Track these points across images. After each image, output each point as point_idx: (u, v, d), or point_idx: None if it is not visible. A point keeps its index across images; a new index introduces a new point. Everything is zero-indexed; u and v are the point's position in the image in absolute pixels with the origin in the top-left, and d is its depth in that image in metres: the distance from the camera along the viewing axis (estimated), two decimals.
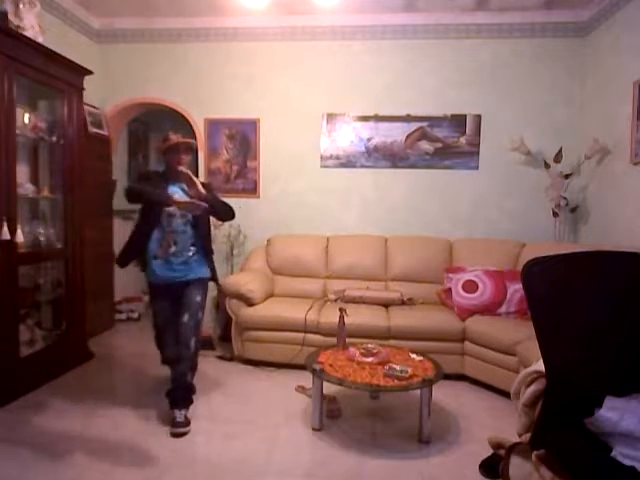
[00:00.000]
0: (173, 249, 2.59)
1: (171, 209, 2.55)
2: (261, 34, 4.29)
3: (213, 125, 4.42)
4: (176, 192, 2.58)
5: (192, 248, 2.65)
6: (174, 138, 2.61)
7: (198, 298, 2.63)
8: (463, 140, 4.19)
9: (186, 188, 2.57)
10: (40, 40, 3.06)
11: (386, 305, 3.67)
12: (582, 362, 1.44)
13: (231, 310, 3.60)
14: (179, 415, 2.52)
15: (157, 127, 5.73)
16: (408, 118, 4.22)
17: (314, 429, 2.54)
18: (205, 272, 2.72)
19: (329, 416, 2.68)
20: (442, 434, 2.54)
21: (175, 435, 2.45)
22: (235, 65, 4.36)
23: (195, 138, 4.44)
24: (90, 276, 3.61)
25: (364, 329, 3.29)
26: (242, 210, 4.34)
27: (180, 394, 2.59)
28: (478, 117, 4.16)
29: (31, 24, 3.03)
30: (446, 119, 4.19)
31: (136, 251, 2.68)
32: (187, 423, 2.51)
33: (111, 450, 2.31)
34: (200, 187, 2.50)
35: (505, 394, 2.86)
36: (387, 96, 4.24)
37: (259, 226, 4.37)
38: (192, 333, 2.58)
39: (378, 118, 4.26)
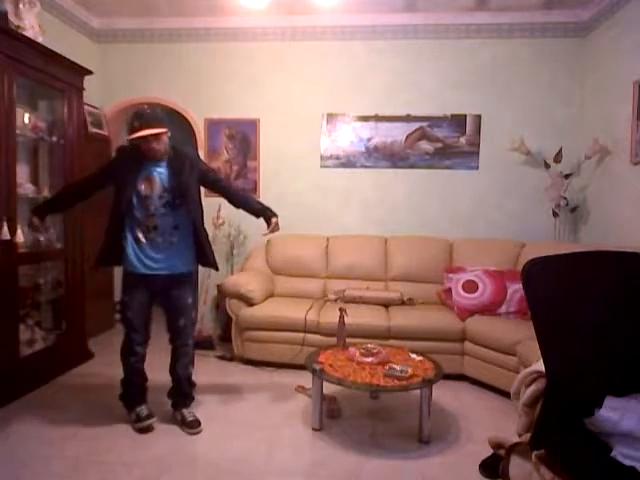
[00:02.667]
0: (152, 234, 2.39)
1: (143, 189, 2.37)
2: (261, 34, 4.29)
3: (213, 125, 4.42)
4: (154, 174, 2.40)
5: (175, 232, 2.43)
6: (137, 128, 2.29)
7: (190, 300, 2.54)
8: (463, 140, 4.19)
9: (164, 169, 2.41)
10: (40, 40, 3.06)
11: (386, 305, 3.67)
12: (582, 362, 1.44)
13: (231, 310, 3.59)
14: (189, 415, 2.56)
15: None
16: (408, 118, 4.22)
17: (314, 429, 2.54)
18: (190, 264, 2.53)
19: (329, 416, 2.68)
20: (442, 434, 2.54)
21: (193, 434, 2.48)
22: (235, 65, 4.36)
23: (195, 138, 4.45)
24: (90, 276, 3.61)
25: (364, 329, 3.28)
26: (242, 210, 4.38)
27: (184, 392, 2.63)
28: (478, 117, 4.16)
29: (31, 24, 3.03)
30: (446, 119, 4.19)
31: (115, 245, 2.46)
32: (199, 422, 2.54)
33: (111, 449, 2.31)
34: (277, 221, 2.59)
35: (505, 394, 2.85)
36: (387, 96, 4.24)
37: (259, 226, 4.34)
38: (191, 336, 2.58)
39: (378, 118, 4.26)
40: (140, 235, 2.41)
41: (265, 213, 2.63)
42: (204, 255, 2.56)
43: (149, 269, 2.43)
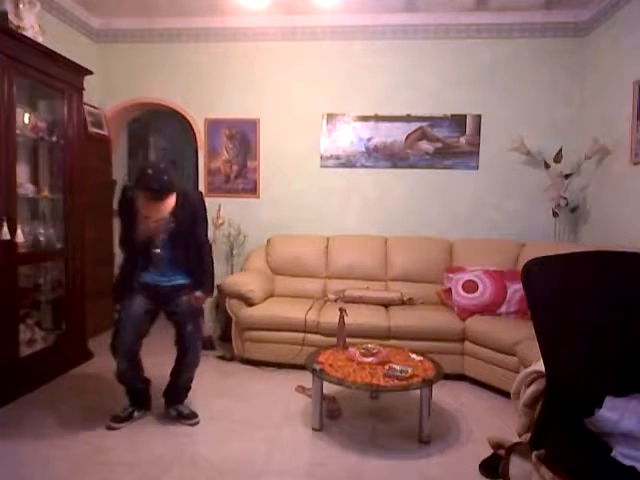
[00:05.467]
0: (159, 265, 2.50)
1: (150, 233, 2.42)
2: (261, 34, 4.29)
3: (213, 125, 4.42)
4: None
5: (178, 261, 2.53)
6: (148, 198, 2.27)
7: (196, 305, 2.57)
8: (463, 140, 4.19)
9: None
10: (40, 40, 3.06)
11: (386, 305, 3.67)
12: (582, 362, 1.44)
13: (231, 310, 3.60)
14: (184, 408, 2.62)
15: (157, 127, 5.74)
16: (408, 118, 4.22)
17: (314, 429, 2.54)
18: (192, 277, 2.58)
19: (329, 416, 2.68)
20: (442, 434, 2.54)
21: (192, 425, 2.55)
22: (235, 65, 4.36)
23: (195, 138, 4.45)
24: (90, 276, 3.61)
25: (364, 329, 3.28)
26: (242, 210, 4.39)
27: (181, 393, 2.67)
28: (478, 117, 4.16)
29: (31, 24, 3.03)
30: (446, 119, 4.19)
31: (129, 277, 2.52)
32: (195, 414, 2.61)
33: (111, 449, 2.31)
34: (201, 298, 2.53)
35: (505, 394, 2.86)
36: (387, 96, 4.24)
37: (259, 226, 4.37)
38: (198, 343, 2.59)
39: (378, 118, 4.26)
40: (149, 266, 2.49)
41: (201, 286, 2.55)
42: (201, 286, 2.57)
43: (156, 281, 2.52)
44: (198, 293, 2.53)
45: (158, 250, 2.46)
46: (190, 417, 2.58)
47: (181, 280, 2.55)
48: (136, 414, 2.61)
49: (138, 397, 2.64)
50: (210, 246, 2.67)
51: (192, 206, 2.53)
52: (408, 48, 4.19)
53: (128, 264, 2.53)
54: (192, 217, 2.52)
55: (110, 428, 2.50)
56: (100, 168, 4.19)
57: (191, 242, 2.54)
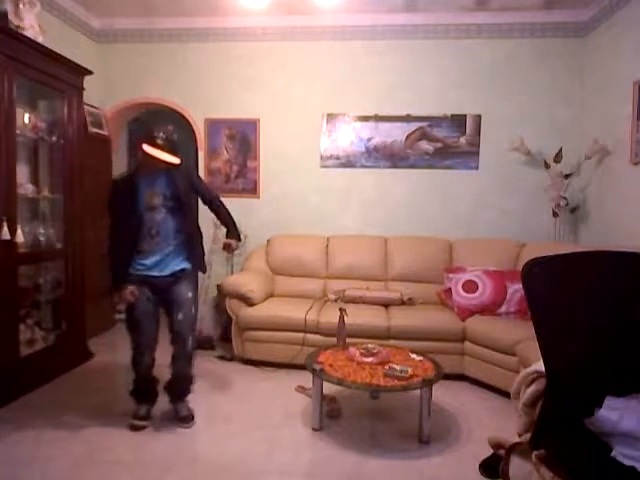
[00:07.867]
0: (157, 239, 2.47)
1: (149, 204, 2.46)
2: (261, 34, 4.29)
3: (213, 125, 4.42)
4: (155, 186, 2.48)
5: (178, 235, 2.53)
6: (159, 146, 2.35)
7: (189, 294, 2.54)
8: (463, 140, 4.19)
9: (163, 178, 2.49)
10: (40, 40, 3.06)
11: (386, 305, 3.67)
12: (582, 362, 1.44)
13: (231, 310, 3.59)
14: (183, 409, 2.59)
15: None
16: (408, 118, 4.22)
17: (314, 429, 2.54)
18: (189, 263, 2.58)
19: (329, 416, 2.68)
20: (442, 434, 2.54)
21: (185, 428, 2.53)
22: (235, 65, 4.36)
23: (195, 138, 4.45)
24: (90, 276, 3.61)
25: (364, 329, 3.28)
26: (242, 210, 4.38)
27: (181, 386, 2.63)
28: (478, 117, 4.16)
29: (31, 24, 3.03)
30: (446, 119, 4.19)
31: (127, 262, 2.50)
32: (192, 416, 2.58)
33: (111, 449, 2.31)
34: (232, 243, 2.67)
35: (505, 394, 2.85)
36: (387, 96, 4.24)
37: (259, 226, 4.37)
38: (189, 331, 2.55)
39: (378, 118, 4.26)
40: (143, 244, 2.48)
41: (232, 234, 2.73)
42: (194, 257, 2.63)
43: (154, 272, 2.51)
44: (228, 240, 2.67)
45: (159, 211, 2.47)
46: (185, 421, 2.55)
47: (183, 265, 2.55)
48: (152, 411, 2.61)
49: (151, 393, 2.63)
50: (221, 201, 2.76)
51: (186, 170, 2.61)
52: (408, 48, 4.19)
53: (119, 251, 2.51)
54: (188, 182, 2.58)
55: (134, 427, 2.49)
56: (100, 168, 4.19)
57: (188, 212, 2.57)
